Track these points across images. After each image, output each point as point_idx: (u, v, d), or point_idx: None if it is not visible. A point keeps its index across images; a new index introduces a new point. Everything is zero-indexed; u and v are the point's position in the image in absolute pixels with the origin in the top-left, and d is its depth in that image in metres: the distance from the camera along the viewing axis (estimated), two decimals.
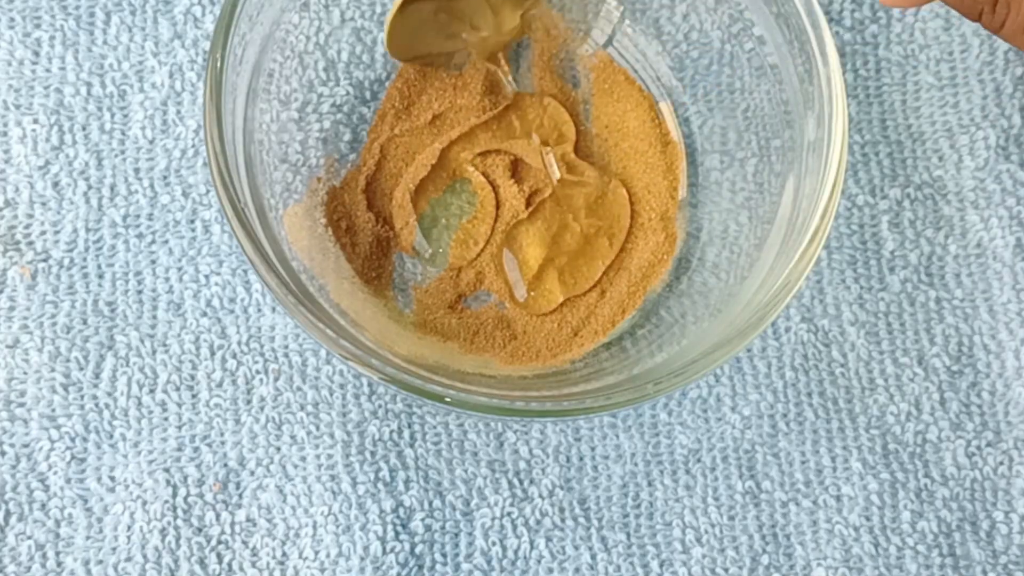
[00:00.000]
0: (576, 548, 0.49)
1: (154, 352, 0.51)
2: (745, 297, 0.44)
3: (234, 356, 0.50)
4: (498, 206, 0.52)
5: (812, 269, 0.43)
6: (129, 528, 0.48)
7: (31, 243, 0.51)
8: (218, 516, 0.49)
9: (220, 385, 0.50)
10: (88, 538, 0.48)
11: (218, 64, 0.42)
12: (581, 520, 0.49)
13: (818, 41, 0.43)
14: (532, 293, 0.51)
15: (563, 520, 0.49)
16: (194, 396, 0.50)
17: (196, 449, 0.49)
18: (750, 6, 0.47)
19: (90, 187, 0.52)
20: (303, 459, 0.49)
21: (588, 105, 0.53)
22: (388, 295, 0.51)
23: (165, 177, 0.53)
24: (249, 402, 0.50)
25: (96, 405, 0.50)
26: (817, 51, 0.44)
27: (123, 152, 0.53)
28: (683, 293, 0.49)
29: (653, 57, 0.52)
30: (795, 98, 0.46)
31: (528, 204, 0.51)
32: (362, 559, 0.48)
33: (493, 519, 0.49)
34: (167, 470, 0.49)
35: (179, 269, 0.52)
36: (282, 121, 0.49)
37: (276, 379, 0.50)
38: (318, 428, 0.49)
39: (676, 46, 0.52)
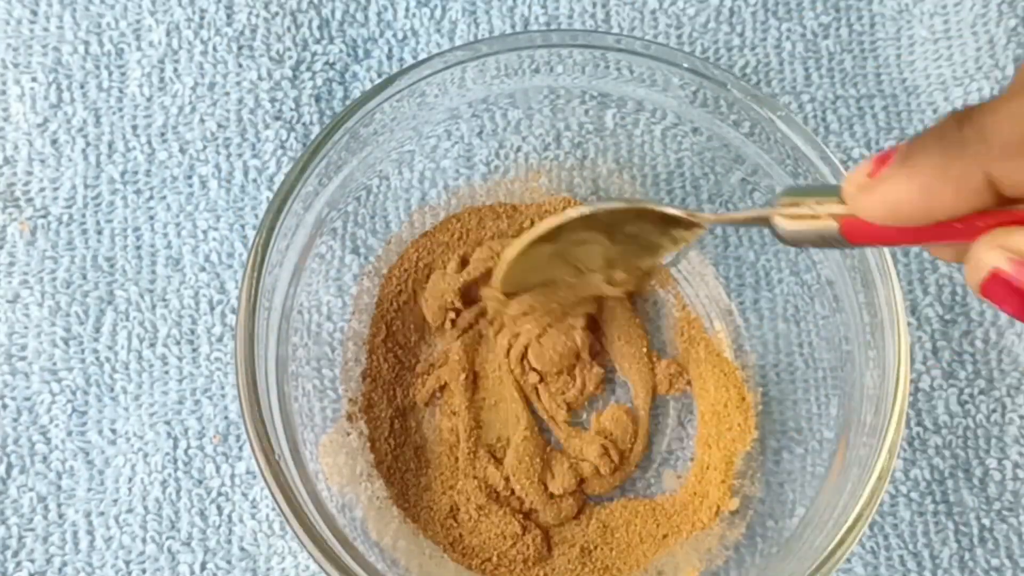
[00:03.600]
0: None
1: (154, 307, 0.51)
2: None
3: (234, 311, 0.51)
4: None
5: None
6: (130, 480, 0.49)
7: (30, 199, 0.52)
8: (218, 468, 0.49)
9: (220, 339, 0.51)
10: (89, 490, 0.49)
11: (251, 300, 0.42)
12: None
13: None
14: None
15: None
16: (194, 350, 0.51)
17: (197, 402, 0.50)
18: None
19: (88, 144, 0.53)
20: (310, 412, 0.49)
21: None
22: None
23: (163, 134, 0.53)
24: None
25: (97, 359, 0.50)
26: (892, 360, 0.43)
27: (121, 109, 0.53)
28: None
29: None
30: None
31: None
32: (365, 510, 0.48)
33: None
34: (168, 423, 0.50)
35: (177, 225, 0.52)
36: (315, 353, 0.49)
37: None
38: (323, 383, 0.49)
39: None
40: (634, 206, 0.43)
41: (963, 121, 0.29)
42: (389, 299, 0.50)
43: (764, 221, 0.38)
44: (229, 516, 0.49)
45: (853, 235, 0.34)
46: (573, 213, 0.43)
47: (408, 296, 0.50)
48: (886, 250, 0.43)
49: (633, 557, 0.48)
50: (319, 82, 0.54)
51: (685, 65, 0.45)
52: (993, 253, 0.30)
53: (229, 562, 0.48)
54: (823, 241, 0.36)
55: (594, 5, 0.55)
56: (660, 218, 0.43)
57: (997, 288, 0.30)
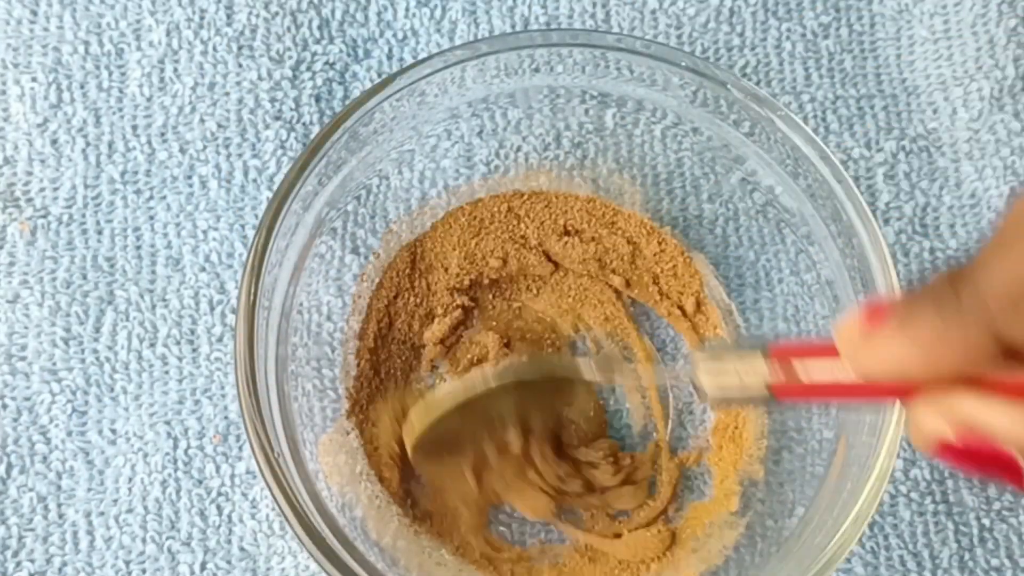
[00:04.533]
0: None
1: (154, 307, 0.51)
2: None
3: (234, 311, 0.51)
4: None
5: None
6: (130, 480, 0.49)
7: (30, 199, 0.52)
8: (218, 468, 0.49)
9: (220, 339, 0.51)
10: (89, 490, 0.49)
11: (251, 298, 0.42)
12: None
13: None
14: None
15: None
16: (194, 350, 0.51)
17: (197, 402, 0.50)
18: None
19: (88, 144, 0.53)
20: (310, 412, 0.49)
21: None
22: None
23: (163, 134, 0.53)
24: None
25: (97, 359, 0.50)
26: None
27: (121, 109, 0.53)
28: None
29: None
30: None
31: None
32: (365, 509, 0.48)
33: None
34: (168, 423, 0.49)
35: (177, 225, 0.52)
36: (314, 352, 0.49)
37: None
38: (323, 383, 0.49)
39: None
40: (545, 372, 0.42)
41: (956, 282, 0.29)
42: (388, 299, 0.50)
43: (688, 380, 0.37)
44: (229, 516, 0.49)
45: (784, 397, 0.34)
46: (479, 386, 0.42)
47: (407, 296, 0.50)
48: (886, 250, 0.43)
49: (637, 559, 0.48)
50: (319, 82, 0.54)
51: (685, 65, 0.45)
52: (936, 421, 0.30)
53: (229, 562, 0.48)
54: (749, 401, 0.37)
55: (594, 5, 0.55)
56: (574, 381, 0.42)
57: (949, 455, 0.30)
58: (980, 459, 0.30)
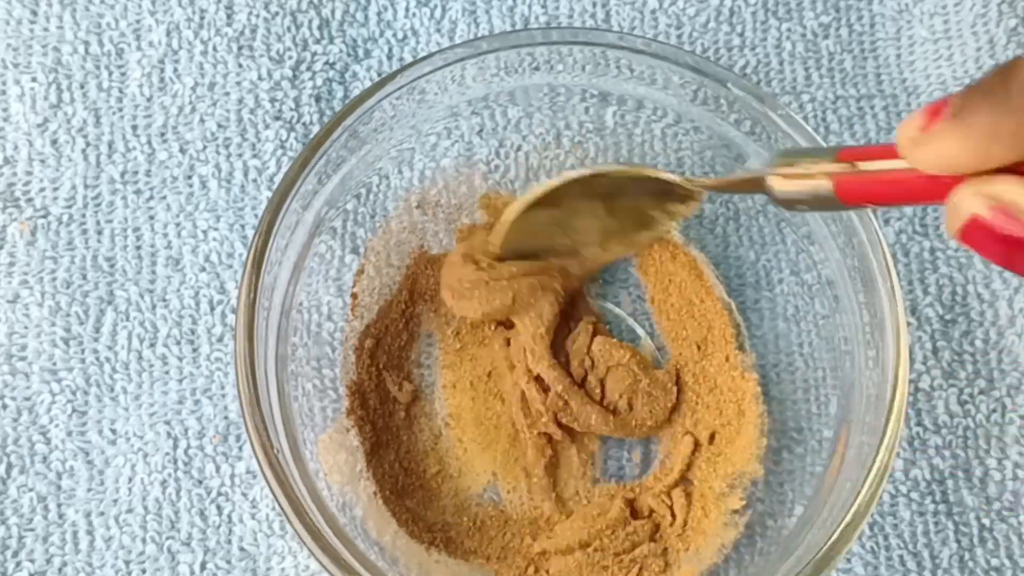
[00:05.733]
0: None
1: (154, 307, 0.51)
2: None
3: (234, 311, 0.51)
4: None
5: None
6: (130, 480, 0.49)
7: (30, 200, 0.52)
8: (218, 468, 0.49)
9: (220, 339, 0.51)
10: (89, 490, 0.49)
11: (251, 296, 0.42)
12: None
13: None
14: None
15: None
16: (195, 350, 0.51)
17: (197, 402, 0.50)
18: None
19: (88, 144, 0.53)
20: (310, 411, 0.49)
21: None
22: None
23: (163, 134, 0.53)
24: None
25: (97, 359, 0.50)
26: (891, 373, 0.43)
27: (121, 110, 0.53)
28: None
29: None
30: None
31: None
32: (365, 508, 0.48)
33: None
34: (168, 423, 0.49)
35: (177, 225, 0.52)
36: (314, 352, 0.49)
37: None
38: (323, 382, 0.49)
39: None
40: (631, 171, 0.44)
41: (1007, 76, 0.30)
42: (385, 298, 0.50)
43: (759, 183, 0.38)
44: (229, 516, 0.49)
45: (847, 195, 0.35)
46: (572, 175, 0.45)
47: (405, 295, 0.50)
48: (886, 250, 0.43)
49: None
50: (319, 82, 0.54)
51: (686, 63, 0.45)
52: (973, 200, 0.31)
53: (229, 562, 0.48)
54: (816, 201, 0.37)
55: (594, 5, 0.55)
56: (656, 188, 0.44)
57: (976, 234, 0.31)
58: (1007, 241, 0.30)
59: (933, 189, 0.32)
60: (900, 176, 0.34)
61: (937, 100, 0.32)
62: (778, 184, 0.38)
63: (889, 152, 0.34)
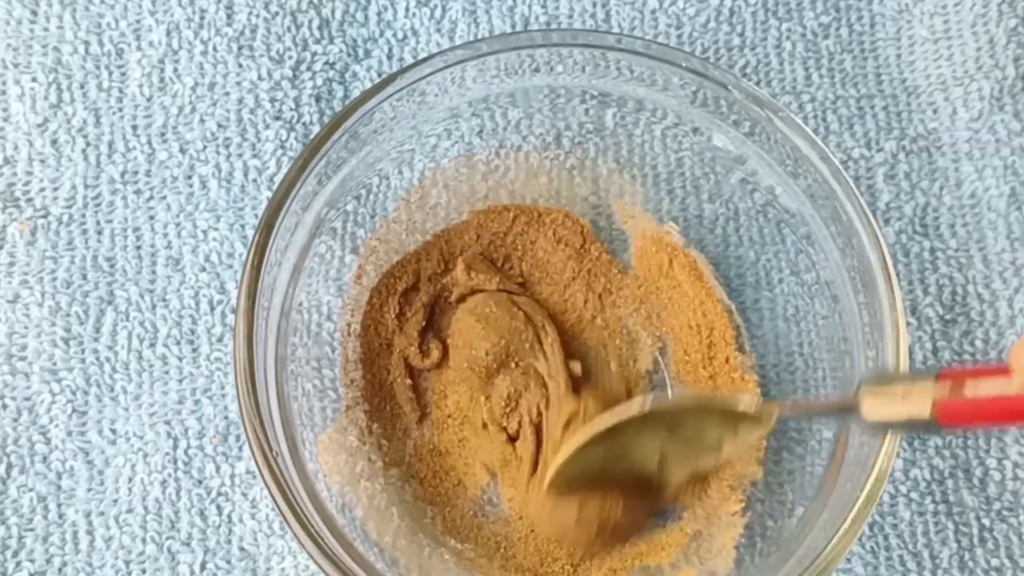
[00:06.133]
0: None
1: (154, 307, 0.51)
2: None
3: (234, 311, 0.51)
4: None
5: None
6: (130, 480, 0.49)
7: (30, 200, 0.52)
8: (218, 468, 0.49)
9: (220, 339, 0.51)
10: (89, 490, 0.49)
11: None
12: None
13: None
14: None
15: None
16: (194, 350, 0.51)
17: (197, 402, 0.50)
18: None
19: (88, 144, 0.53)
20: (309, 412, 0.49)
21: None
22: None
23: (163, 134, 0.53)
24: None
25: (97, 359, 0.50)
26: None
27: (121, 110, 0.53)
28: None
29: None
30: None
31: None
32: (365, 509, 0.48)
33: None
34: (168, 423, 0.49)
35: (177, 225, 0.52)
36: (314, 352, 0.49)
37: None
38: (322, 383, 0.49)
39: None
40: (701, 404, 0.42)
41: None
42: (384, 298, 0.50)
43: (849, 409, 0.36)
44: (229, 516, 0.49)
45: (949, 419, 0.34)
46: (630, 411, 0.42)
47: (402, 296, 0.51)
48: (886, 250, 0.43)
49: (630, 556, 0.48)
50: (319, 82, 0.54)
51: (685, 65, 0.45)
52: None
53: (229, 562, 0.48)
54: (910, 427, 0.35)
55: (594, 5, 0.55)
56: (726, 414, 0.41)
57: None
58: None
59: None
60: (1010, 402, 0.32)
61: None
62: (871, 409, 0.36)
63: (997, 371, 0.33)
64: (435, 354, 0.50)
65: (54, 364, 0.50)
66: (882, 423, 0.36)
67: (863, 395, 0.36)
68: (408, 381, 0.50)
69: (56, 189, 0.52)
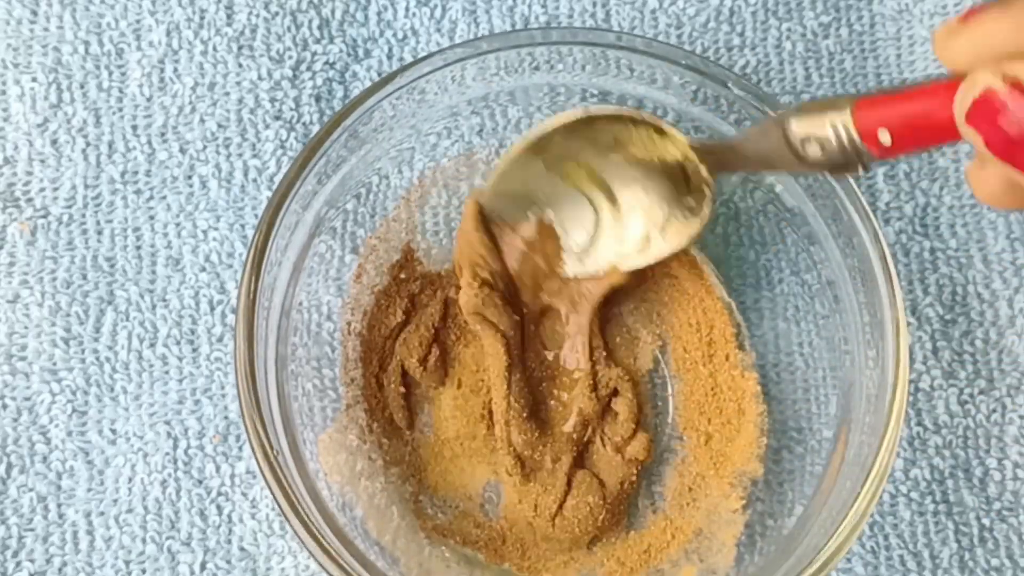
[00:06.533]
0: None
1: (154, 307, 0.51)
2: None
3: (234, 311, 0.51)
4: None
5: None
6: (130, 480, 0.49)
7: (30, 200, 0.52)
8: (218, 468, 0.49)
9: (220, 339, 0.51)
10: (89, 490, 0.49)
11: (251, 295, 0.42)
12: None
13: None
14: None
15: None
16: (195, 350, 0.51)
17: (197, 402, 0.50)
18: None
19: (88, 144, 0.53)
20: (310, 411, 0.49)
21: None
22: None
23: (163, 134, 0.53)
24: None
25: (97, 359, 0.50)
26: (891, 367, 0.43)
27: (121, 109, 0.53)
28: None
29: None
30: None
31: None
32: (365, 508, 0.48)
33: None
34: (168, 423, 0.49)
35: (177, 225, 0.52)
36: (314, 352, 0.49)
37: None
38: (323, 382, 0.49)
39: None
40: (627, 112, 0.43)
41: None
42: (383, 298, 0.50)
43: (778, 126, 0.37)
44: (229, 516, 0.49)
45: (864, 118, 0.34)
46: (563, 117, 0.44)
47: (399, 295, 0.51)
48: (886, 250, 0.43)
49: (635, 553, 0.48)
50: (319, 82, 0.54)
51: (686, 63, 0.45)
52: (992, 76, 0.29)
53: (229, 562, 0.48)
54: (831, 144, 0.35)
55: (594, 5, 0.55)
56: (663, 186, 0.43)
57: (984, 114, 0.30)
58: (1012, 124, 0.29)
59: (952, 100, 0.31)
60: (921, 91, 0.33)
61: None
62: (798, 122, 0.36)
63: (915, 89, 0.33)
64: (436, 372, 0.50)
65: (54, 364, 0.50)
66: (806, 135, 0.36)
67: (791, 114, 0.37)
68: (402, 389, 0.49)
69: (56, 189, 0.52)
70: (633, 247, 0.48)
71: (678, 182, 0.45)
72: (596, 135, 0.45)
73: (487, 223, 0.48)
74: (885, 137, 0.34)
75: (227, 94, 0.53)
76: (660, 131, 0.44)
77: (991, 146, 0.30)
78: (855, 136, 0.35)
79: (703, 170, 0.44)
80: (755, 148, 0.41)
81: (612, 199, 0.47)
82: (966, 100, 0.30)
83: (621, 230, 0.48)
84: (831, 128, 0.35)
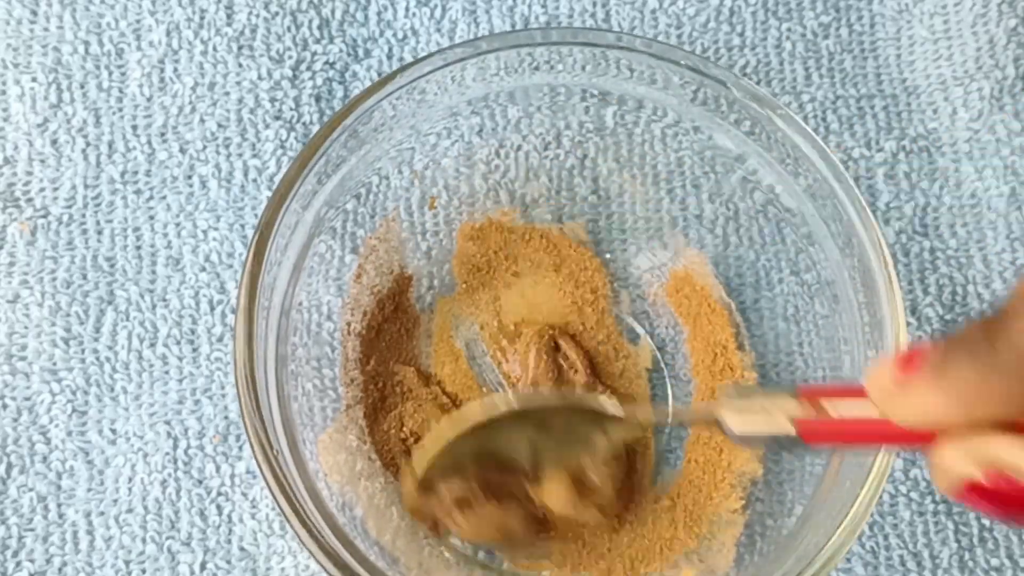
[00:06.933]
0: None
1: (154, 307, 0.51)
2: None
3: (234, 311, 0.51)
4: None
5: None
6: (130, 480, 0.49)
7: (30, 200, 0.52)
8: (218, 468, 0.49)
9: (220, 339, 0.51)
10: (89, 490, 0.49)
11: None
12: None
13: None
14: None
15: None
16: (195, 350, 0.51)
17: (197, 402, 0.50)
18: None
19: (88, 144, 0.53)
20: (310, 411, 0.49)
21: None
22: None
23: (163, 134, 0.53)
24: None
25: (97, 359, 0.50)
26: None
27: (121, 109, 0.53)
28: None
29: None
30: None
31: None
32: (365, 508, 0.48)
33: None
34: (168, 422, 0.50)
35: (177, 224, 0.52)
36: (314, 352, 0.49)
37: None
38: (322, 382, 0.49)
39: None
40: (567, 403, 0.42)
41: (990, 332, 0.28)
42: (381, 298, 0.50)
43: (711, 420, 0.36)
44: (229, 516, 0.49)
45: (811, 438, 0.34)
46: (501, 406, 0.41)
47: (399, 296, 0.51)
48: (886, 250, 0.43)
49: (635, 553, 0.48)
50: (319, 82, 0.54)
51: (685, 63, 0.45)
52: (965, 464, 0.29)
53: (229, 562, 0.48)
54: (775, 443, 0.35)
55: (594, 5, 0.55)
56: (595, 415, 0.41)
57: (971, 498, 0.30)
58: (1007, 501, 0.29)
59: (909, 436, 0.31)
60: (872, 424, 0.32)
61: (908, 349, 0.31)
62: (735, 423, 0.35)
63: (855, 392, 0.33)
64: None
65: (54, 364, 0.50)
66: (746, 436, 0.35)
67: (723, 409, 0.35)
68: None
69: (56, 189, 0.52)
70: (580, 448, 0.44)
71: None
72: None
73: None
74: (833, 448, 0.35)
75: (227, 94, 0.53)
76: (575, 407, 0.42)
77: (993, 516, 0.31)
78: (802, 444, 0.34)
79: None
80: (688, 420, 0.42)
81: (541, 427, 0.43)
82: (946, 484, 0.30)
83: (560, 442, 0.44)
84: (772, 434, 0.35)
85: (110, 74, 0.53)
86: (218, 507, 0.49)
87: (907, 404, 0.30)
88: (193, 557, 0.48)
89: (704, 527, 0.47)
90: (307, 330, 0.48)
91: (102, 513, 0.48)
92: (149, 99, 0.53)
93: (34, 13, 0.54)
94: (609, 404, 0.41)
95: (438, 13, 0.55)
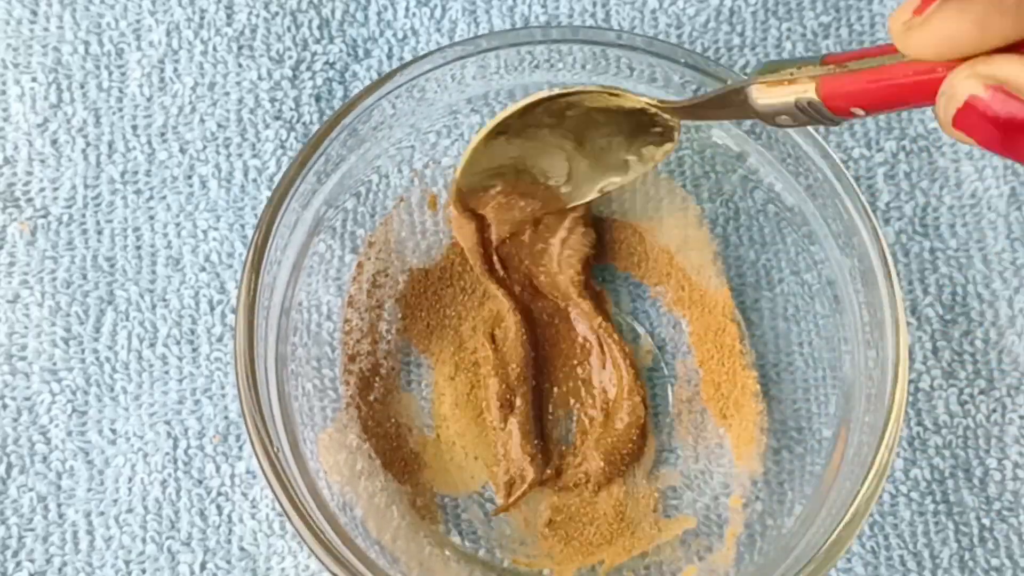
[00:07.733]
0: None
1: (154, 307, 0.51)
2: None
3: (234, 311, 0.51)
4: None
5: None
6: (130, 480, 0.49)
7: (30, 200, 0.52)
8: (218, 468, 0.49)
9: (220, 339, 0.51)
10: (89, 490, 0.49)
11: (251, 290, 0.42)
12: None
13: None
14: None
15: None
16: (194, 350, 0.51)
17: (197, 402, 0.50)
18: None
19: (88, 144, 0.53)
20: (310, 411, 0.49)
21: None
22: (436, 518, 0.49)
23: (163, 134, 0.53)
24: None
25: (97, 359, 0.50)
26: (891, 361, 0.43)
27: (121, 109, 0.53)
28: None
29: None
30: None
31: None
32: (365, 508, 0.48)
33: None
34: (168, 422, 0.49)
35: (177, 225, 0.52)
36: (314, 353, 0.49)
37: None
38: (322, 382, 0.49)
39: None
40: (600, 91, 0.43)
41: None
42: (380, 297, 0.50)
43: (739, 94, 0.37)
44: (229, 516, 0.49)
45: (833, 98, 0.34)
46: (537, 96, 0.43)
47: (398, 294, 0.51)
48: (886, 250, 0.43)
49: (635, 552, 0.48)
50: (319, 82, 0.54)
51: (685, 62, 0.45)
52: (969, 81, 0.30)
53: (229, 562, 0.48)
54: (800, 114, 0.35)
55: (594, 4, 0.55)
56: (630, 125, 0.43)
57: (972, 119, 0.30)
58: (1006, 125, 0.29)
59: (924, 86, 0.31)
60: (890, 73, 0.32)
61: None
62: (760, 94, 0.36)
63: (878, 51, 0.33)
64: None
65: (54, 364, 0.50)
66: (772, 110, 0.36)
67: (752, 82, 0.36)
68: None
69: (56, 189, 0.52)
70: (612, 172, 0.47)
71: (642, 120, 0.45)
72: (552, 106, 0.44)
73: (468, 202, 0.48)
74: (858, 112, 0.34)
75: (227, 94, 0.53)
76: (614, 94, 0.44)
77: (987, 145, 0.30)
78: (825, 111, 0.35)
79: (664, 114, 0.44)
80: (716, 109, 0.41)
81: (579, 141, 0.46)
82: (949, 109, 0.30)
83: (595, 161, 0.47)
84: (797, 104, 0.35)
85: (110, 74, 0.53)
86: (218, 507, 0.49)
87: (925, 32, 0.30)
88: (193, 557, 0.48)
89: (702, 524, 0.47)
90: (307, 330, 0.48)
91: (102, 513, 0.48)
92: (149, 99, 0.53)
93: (34, 13, 0.54)
94: (642, 98, 0.43)
95: (438, 13, 0.55)
